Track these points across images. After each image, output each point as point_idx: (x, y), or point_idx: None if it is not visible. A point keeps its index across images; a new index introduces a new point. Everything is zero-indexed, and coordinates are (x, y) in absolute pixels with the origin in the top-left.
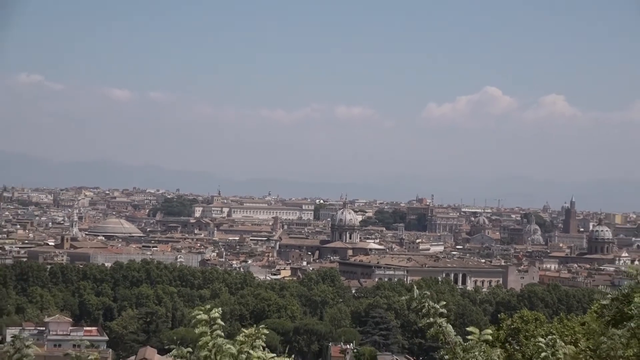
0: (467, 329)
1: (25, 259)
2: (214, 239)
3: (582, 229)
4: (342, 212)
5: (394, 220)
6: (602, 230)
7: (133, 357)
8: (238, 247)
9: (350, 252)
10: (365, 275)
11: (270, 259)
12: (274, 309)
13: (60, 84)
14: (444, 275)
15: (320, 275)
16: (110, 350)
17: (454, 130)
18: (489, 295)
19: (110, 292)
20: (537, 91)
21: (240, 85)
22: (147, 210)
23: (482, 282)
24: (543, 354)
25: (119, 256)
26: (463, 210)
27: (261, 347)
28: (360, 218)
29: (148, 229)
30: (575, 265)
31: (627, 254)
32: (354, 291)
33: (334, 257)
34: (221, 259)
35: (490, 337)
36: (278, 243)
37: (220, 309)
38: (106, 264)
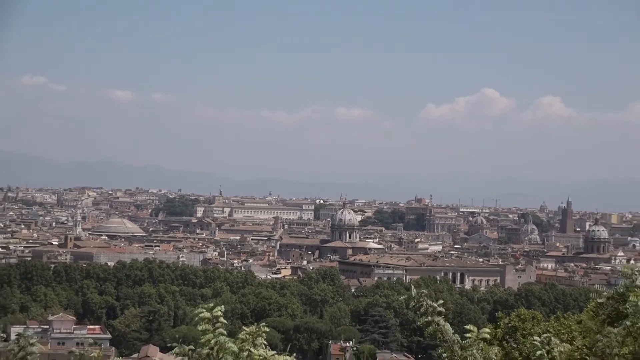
0: (466, 327)
1: (29, 258)
2: (215, 238)
3: (578, 229)
4: (342, 212)
5: (393, 220)
6: (598, 230)
7: (136, 355)
8: (239, 246)
9: (349, 251)
10: (364, 274)
11: (271, 258)
12: (275, 307)
13: (64, 85)
14: (442, 274)
15: (320, 274)
16: (113, 348)
17: (452, 131)
18: (486, 294)
19: (113, 291)
20: (534, 93)
21: (241, 86)
22: (150, 210)
23: (480, 281)
24: (538, 352)
25: (121, 255)
26: (461, 210)
27: (262, 345)
28: (359, 218)
29: (150, 229)
30: (572, 264)
31: (622, 254)
32: (353, 290)
33: (334, 257)
34: (222, 258)
35: (488, 336)
36: (279, 242)
37: (222, 307)
38: (109, 263)
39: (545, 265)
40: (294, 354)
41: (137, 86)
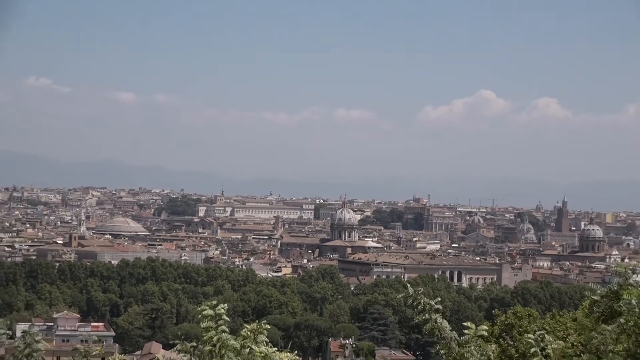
0: (464, 324)
1: (34, 257)
2: (217, 237)
3: (573, 228)
4: (342, 212)
5: (392, 220)
6: (593, 229)
7: (139, 352)
8: (240, 245)
9: (349, 250)
10: (363, 273)
11: (271, 256)
12: (276, 305)
13: (68, 87)
14: (440, 272)
15: (320, 273)
16: (117, 345)
17: (450, 132)
18: (483, 292)
19: (116, 289)
20: (530, 94)
21: (242, 86)
22: (153, 210)
23: (477, 279)
24: (532, 350)
25: (125, 254)
26: (458, 209)
27: (264, 342)
28: (359, 217)
29: (153, 228)
30: (567, 263)
31: (617, 252)
32: (352, 288)
33: (334, 255)
34: (224, 257)
35: (485, 333)
36: (279, 241)
37: (225, 305)
38: (113, 262)
39: (541, 263)
40: (295, 351)
41: (139, 88)
